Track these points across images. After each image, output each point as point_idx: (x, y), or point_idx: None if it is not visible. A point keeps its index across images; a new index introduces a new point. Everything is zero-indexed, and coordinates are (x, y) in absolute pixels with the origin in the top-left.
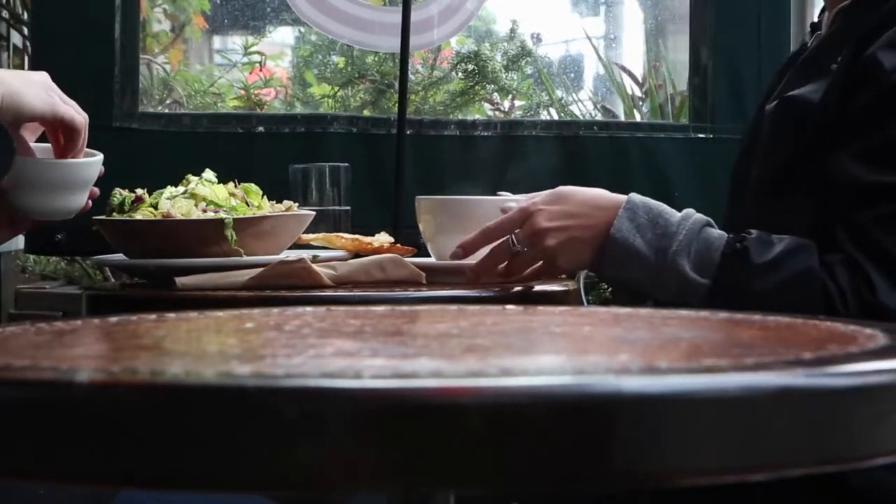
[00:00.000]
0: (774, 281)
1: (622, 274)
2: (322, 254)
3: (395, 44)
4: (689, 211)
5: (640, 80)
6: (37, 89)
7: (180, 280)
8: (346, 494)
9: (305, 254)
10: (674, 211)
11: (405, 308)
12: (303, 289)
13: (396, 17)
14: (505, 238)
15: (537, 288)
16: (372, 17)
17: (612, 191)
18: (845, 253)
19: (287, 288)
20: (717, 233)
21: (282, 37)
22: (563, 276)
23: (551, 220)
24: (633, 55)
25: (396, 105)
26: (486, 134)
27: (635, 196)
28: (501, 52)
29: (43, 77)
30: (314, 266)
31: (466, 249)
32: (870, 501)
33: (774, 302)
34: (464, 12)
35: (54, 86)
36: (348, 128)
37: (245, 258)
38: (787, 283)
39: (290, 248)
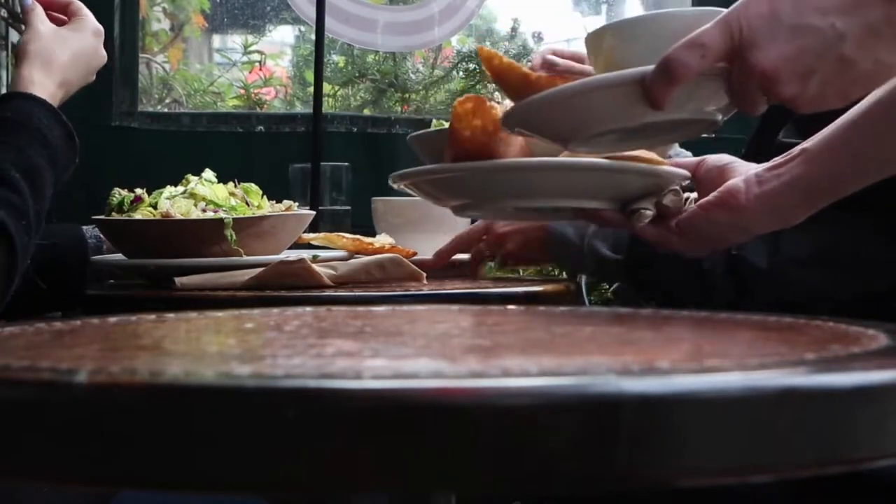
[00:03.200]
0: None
1: (561, 262)
2: (322, 254)
3: (395, 43)
4: None
5: None
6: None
7: (180, 280)
8: (346, 494)
9: (305, 254)
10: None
11: (406, 308)
12: (303, 289)
13: (397, 17)
14: (476, 247)
15: (538, 288)
16: (372, 15)
17: None
18: None
19: (287, 288)
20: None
21: (281, 36)
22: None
23: (507, 224)
24: None
25: (398, 104)
26: None
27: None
28: (503, 50)
29: (98, 57)
30: (314, 266)
31: (441, 257)
32: (880, 487)
33: (668, 269)
34: (465, 11)
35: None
36: (349, 127)
37: (245, 258)
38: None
39: (291, 247)
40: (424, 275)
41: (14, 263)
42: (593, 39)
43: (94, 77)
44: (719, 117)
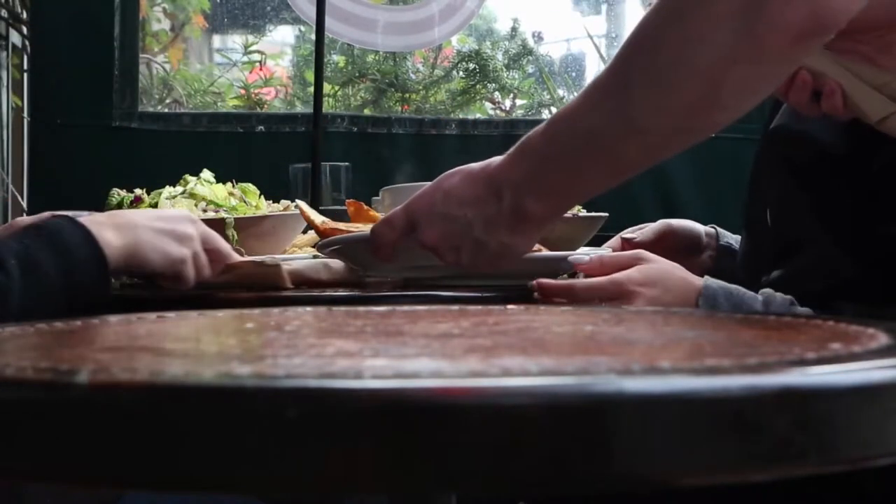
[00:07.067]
0: None
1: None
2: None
3: (395, 43)
4: (768, 292)
5: None
6: (163, 242)
7: None
8: (346, 494)
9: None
10: (753, 294)
11: (406, 308)
12: (261, 289)
13: (397, 17)
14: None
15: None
16: (372, 15)
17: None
18: None
19: (247, 287)
20: (802, 311)
21: (282, 36)
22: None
23: (648, 305)
24: None
25: (398, 104)
26: (487, 133)
27: (711, 281)
28: (502, 50)
29: (179, 223)
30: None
31: (544, 291)
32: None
33: None
34: (464, 11)
35: (190, 232)
36: (349, 127)
37: (245, 258)
38: None
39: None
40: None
41: None
42: (381, 198)
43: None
44: None
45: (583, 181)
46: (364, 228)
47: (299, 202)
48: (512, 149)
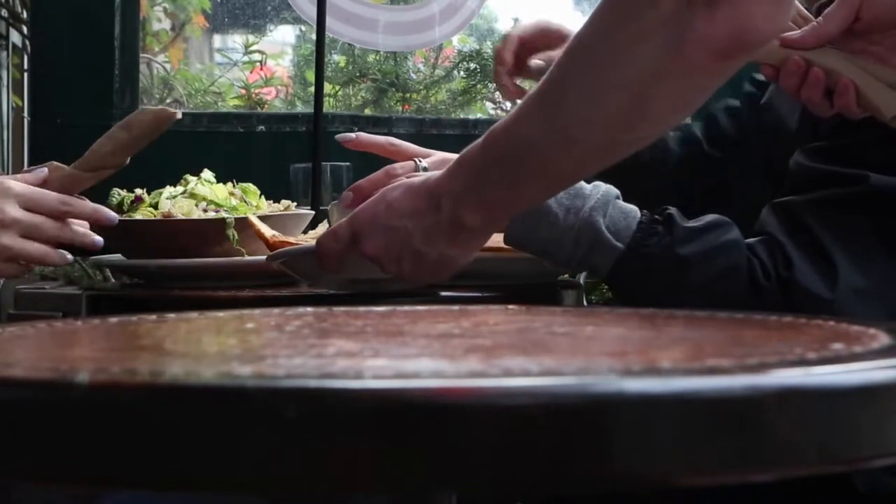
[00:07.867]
0: (698, 248)
1: (530, 233)
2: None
3: (396, 42)
4: (598, 182)
5: None
6: None
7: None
8: (346, 495)
9: None
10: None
11: (406, 308)
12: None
13: (398, 16)
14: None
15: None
16: (373, 15)
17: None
18: (766, 234)
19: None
20: (629, 205)
21: (282, 35)
22: None
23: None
24: None
25: (398, 104)
26: None
27: None
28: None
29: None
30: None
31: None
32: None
33: (695, 270)
34: (465, 10)
35: (9, 212)
36: (349, 127)
37: (246, 258)
38: (711, 252)
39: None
40: (175, 112)
41: None
42: (330, 211)
43: None
44: None
45: (518, 193)
46: (312, 242)
47: (250, 216)
48: (452, 161)
